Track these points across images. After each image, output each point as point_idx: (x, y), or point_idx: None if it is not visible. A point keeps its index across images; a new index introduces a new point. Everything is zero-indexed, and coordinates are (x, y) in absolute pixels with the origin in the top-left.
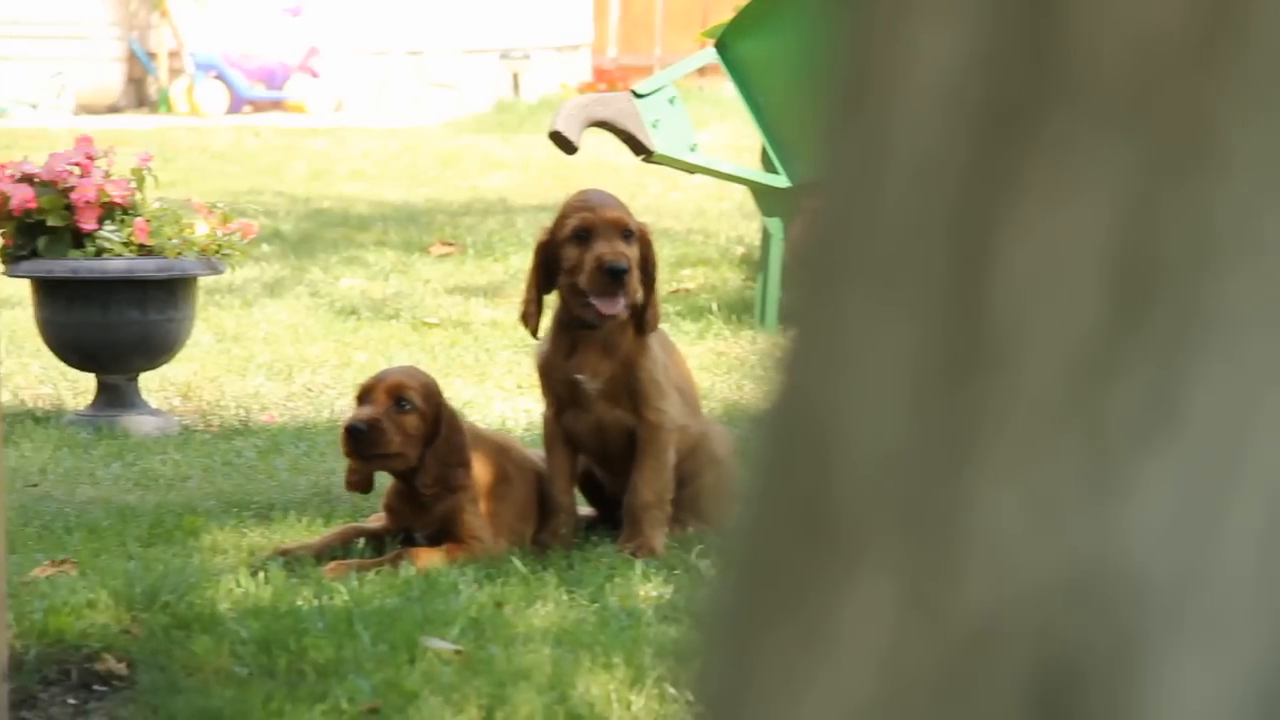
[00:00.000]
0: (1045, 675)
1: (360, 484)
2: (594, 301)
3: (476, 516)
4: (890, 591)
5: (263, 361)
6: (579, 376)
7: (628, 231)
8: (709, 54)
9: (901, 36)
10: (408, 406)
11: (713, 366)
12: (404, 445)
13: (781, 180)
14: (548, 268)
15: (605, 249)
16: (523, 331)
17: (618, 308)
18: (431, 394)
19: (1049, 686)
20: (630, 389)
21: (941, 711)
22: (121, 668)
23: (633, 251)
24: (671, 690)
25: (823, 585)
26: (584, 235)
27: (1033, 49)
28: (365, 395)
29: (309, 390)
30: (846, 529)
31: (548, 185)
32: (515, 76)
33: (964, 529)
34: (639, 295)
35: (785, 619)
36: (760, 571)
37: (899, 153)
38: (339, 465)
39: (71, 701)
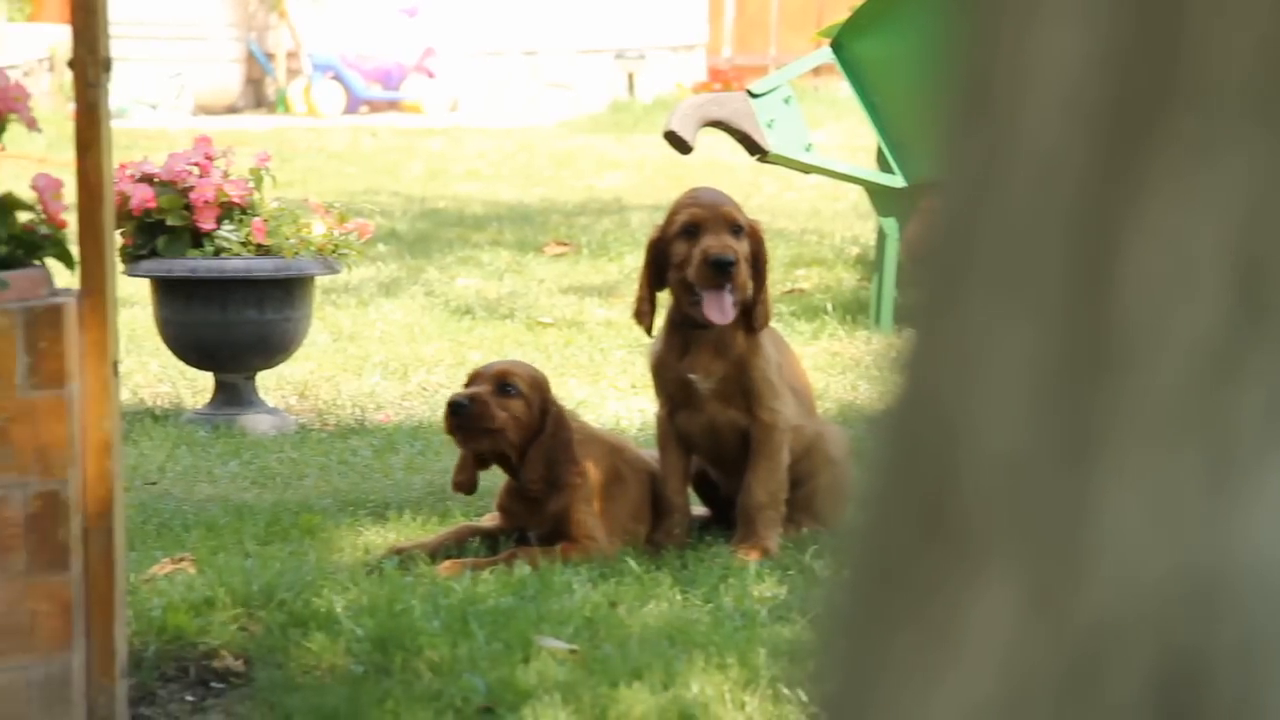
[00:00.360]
0: (1166, 675)
1: (466, 484)
2: (703, 304)
3: (590, 516)
4: (1013, 592)
5: (378, 361)
6: (691, 376)
7: (737, 227)
8: (824, 53)
9: (1025, 37)
10: (513, 391)
11: (827, 367)
12: (508, 422)
13: (897, 180)
14: (659, 265)
15: (712, 243)
16: (637, 331)
17: (726, 315)
18: (538, 385)
19: (1170, 686)
20: (743, 389)
21: (1063, 710)
22: (239, 665)
23: (742, 246)
24: (786, 691)
25: (947, 586)
26: (693, 230)
27: (1157, 49)
28: (472, 380)
29: (424, 389)
30: (971, 530)
31: (662, 185)
32: (630, 76)
33: (1087, 530)
34: (749, 291)
35: (909, 620)
36: (883, 573)
37: (1023, 153)
38: (453, 465)
39: (189, 698)
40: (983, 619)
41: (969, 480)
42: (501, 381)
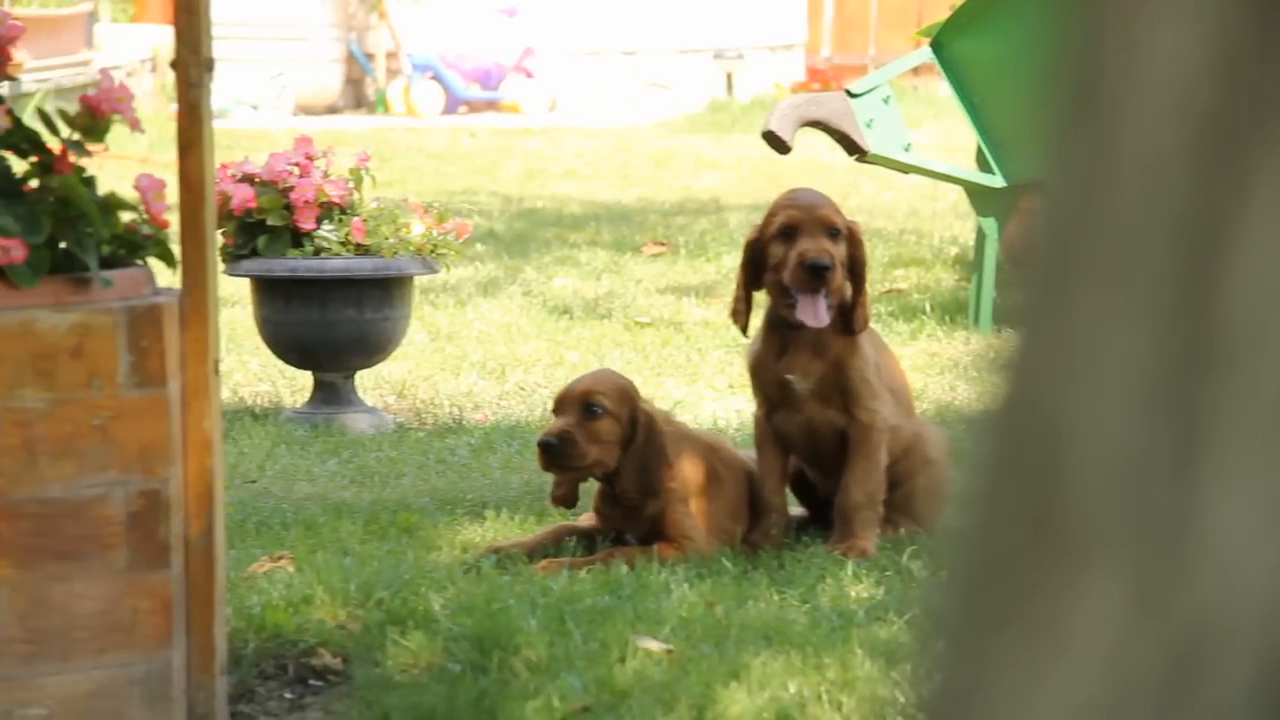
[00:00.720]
0: (1270, 675)
1: (566, 498)
2: (797, 307)
3: (686, 516)
4: (1118, 592)
5: (476, 360)
6: (789, 377)
7: (834, 229)
8: (924, 53)
9: (1133, 37)
10: (599, 412)
11: (925, 367)
12: (600, 454)
13: (997, 180)
14: (755, 265)
15: (809, 246)
16: (734, 331)
17: (821, 320)
18: (625, 397)
19: (1274, 686)
20: (841, 389)
21: (1167, 711)
22: (337, 663)
23: (839, 250)
24: (884, 692)
25: (1051, 587)
26: (789, 232)
27: (1267, 48)
28: (559, 406)
29: (522, 389)
30: (1076, 531)
31: (760, 185)
32: (729, 76)
33: (1192, 530)
34: (847, 294)
35: (1013, 621)
36: (987, 574)
37: (1130, 153)
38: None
39: (288, 696)
40: (1087, 619)
41: (1074, 481)
42: (586, 403)
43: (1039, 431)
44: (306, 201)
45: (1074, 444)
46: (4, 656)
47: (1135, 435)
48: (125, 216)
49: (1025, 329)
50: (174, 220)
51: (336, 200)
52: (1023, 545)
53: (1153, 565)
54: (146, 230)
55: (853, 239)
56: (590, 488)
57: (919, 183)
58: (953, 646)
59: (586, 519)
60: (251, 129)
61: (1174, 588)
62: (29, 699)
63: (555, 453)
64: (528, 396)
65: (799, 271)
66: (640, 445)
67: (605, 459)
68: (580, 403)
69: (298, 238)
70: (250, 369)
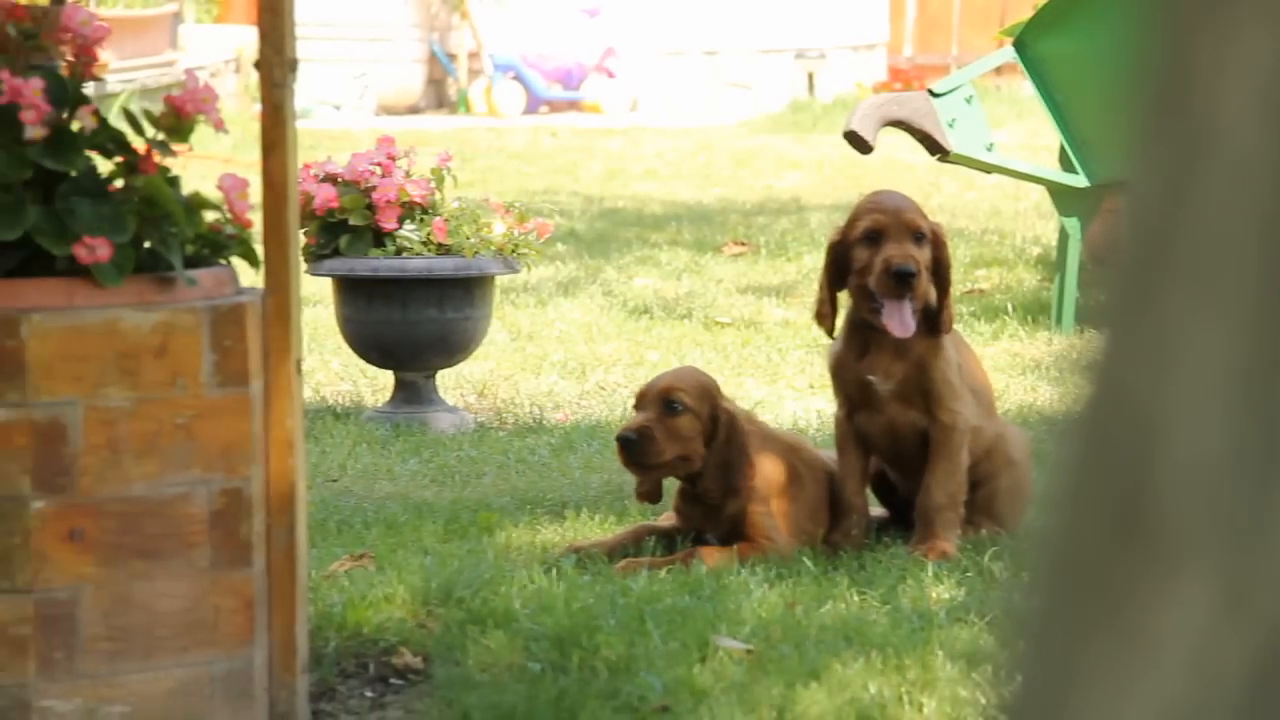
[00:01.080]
0: None
1: (649, 494)
2: (883, 313)
3: (767, 516)
4: (1208, 594)
5: (556, 360)
6: (871, 378)
7: (919, 233)
8: (1007, 52)
9: (1220, 37)
10: (679, 408)
11: (1007, 368)
12: (679, 450)
13: (1080, 180)
14: (839, 267)
15: (894, 251)
16: (815, 331)
17: (907, 328)
18: (706, 394)
19: None
20: (923, 390)
21: (1253, 711)
22: (417, 662)
23: (924, 254)
24: (964, 693)
25: (1141, 589)
26: (874, 237)
27: None
28: (639, 402)
29: (602, 389)
30: (1166, 532)
31: (841, 185)
32: (810, 76)
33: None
34: (930, 298)
35: (1102, 623)
36: (1075, 576)
37: (1218, 152)
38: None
39: (369, 694)
40: (1176, 621)
41: (1165, 482)
42: (666, 399)
43: (1128, 433)
44: (388, 201)
45: (1164, 444)
46: (87, 654)
47: (1226, 435)
48: (209, 216)
49: (1111, 329)
50: (257, 220)
51: (418, 200)
52: (1111, 547)
53: (1242, 566)
54: (230, 230)
55: (936, 241)
56: (672, 486)
57: (1001, 182)
58: (1038, 649)
59: (666, 518)
60: (334, 129)
61: (1263, 589)
62: (112, 696)
63: (634, 448)
64: (608, 396)
65: (885, 278)
66: (722, 443)
67: (686, 455)
68: (660, 399)
69: (380, 237)
70: (332, 368)
